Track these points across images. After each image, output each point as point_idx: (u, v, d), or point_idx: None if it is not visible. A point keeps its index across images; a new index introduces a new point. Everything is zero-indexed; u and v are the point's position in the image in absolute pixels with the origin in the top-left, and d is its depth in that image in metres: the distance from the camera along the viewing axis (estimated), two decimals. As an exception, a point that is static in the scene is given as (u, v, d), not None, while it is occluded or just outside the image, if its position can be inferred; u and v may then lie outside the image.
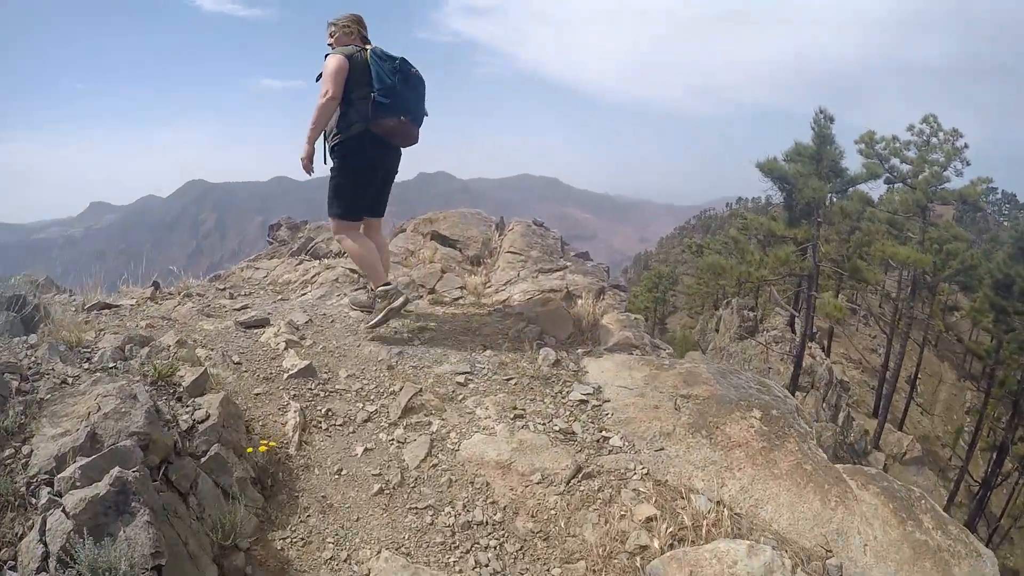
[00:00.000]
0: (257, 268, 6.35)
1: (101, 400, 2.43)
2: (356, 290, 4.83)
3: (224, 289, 5.48)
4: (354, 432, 3.17)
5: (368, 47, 3.81)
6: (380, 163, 3.98)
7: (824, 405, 21.49)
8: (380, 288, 4.08)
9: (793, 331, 25.47)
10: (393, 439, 3.11)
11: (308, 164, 3.77)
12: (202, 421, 2.65)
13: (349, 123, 3.73)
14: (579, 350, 4.16)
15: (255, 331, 4.07)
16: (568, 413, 3.38)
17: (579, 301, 4.98)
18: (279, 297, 5.24)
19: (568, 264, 6.32)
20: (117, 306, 4.47)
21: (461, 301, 5.20)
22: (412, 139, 3.95)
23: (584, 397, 3.51)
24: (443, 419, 3.28)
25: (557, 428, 3.23)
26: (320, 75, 3.73)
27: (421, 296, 5.16)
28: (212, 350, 3.62)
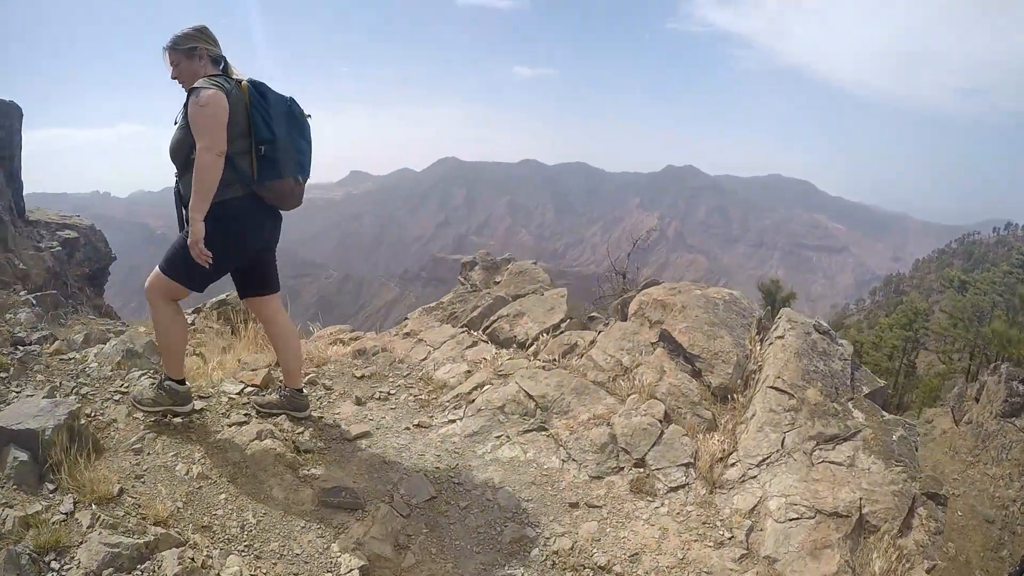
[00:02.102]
0: (421, 339, 5.05)
1: None
2: (144, 375, 3.80)
3: (361, 376, 4.25)
4: None
5: (239, 78, 2.93)
6: (260, 235, 3.17)
7: None
8: (169, 382, 3.31)
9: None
10: None
11: (202, 249, 2.83)
12: None
13: (224, 183, 2.82)
14: None
15: (332, 515, 2.61)
16: None
17: (873, 547, 2.61)
18: (419, 418, 3.79)
19: (862, 424, 3.82)
20: (183, 412, 3.41)
21: (679, 498, 3.16)
22: (299, 201, 3.18)
23: None
24: None
25: None
26: (182, 117, 2.84)
27: (622, 469, 3.25)
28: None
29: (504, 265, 7.46)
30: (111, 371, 3.94)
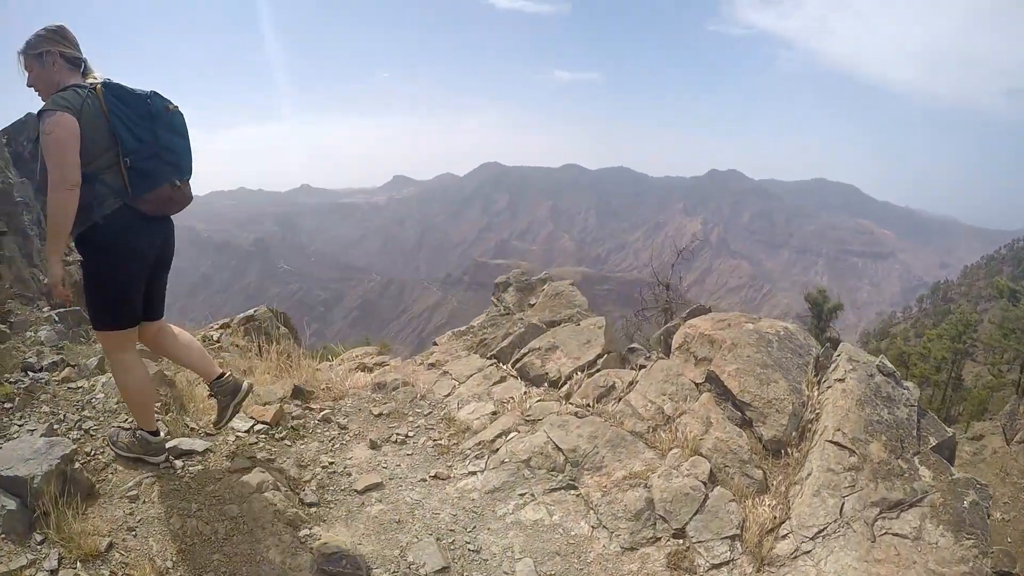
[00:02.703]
0: (446, 371, 4.75)
1: None
2: (117, 425, 3.51)
3: (379, 414, 3.97)
4: None
5: (93, 81, 2.69)
6: (151, 247, 2.96)
7: None
8: (143, 433, 3.17)
9: None
10: None
11: (63, 290, 2.79)
12: None
13: (97, 200, 2.65)
14: None
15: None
16: None
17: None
18: (437, 467, 3.47)
19: (930, 486, 3.34)
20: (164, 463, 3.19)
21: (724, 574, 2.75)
22: (188, 199, 2.98)
23: None
24: None
25: None
26: (34, 141, 2.60)
27: (658, 540, 2.85)
28: None
29: (539, 286, 7.11)
30: (116, 403, 3.78)
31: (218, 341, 6.99)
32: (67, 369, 4.13)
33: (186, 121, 2.90)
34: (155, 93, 2.77)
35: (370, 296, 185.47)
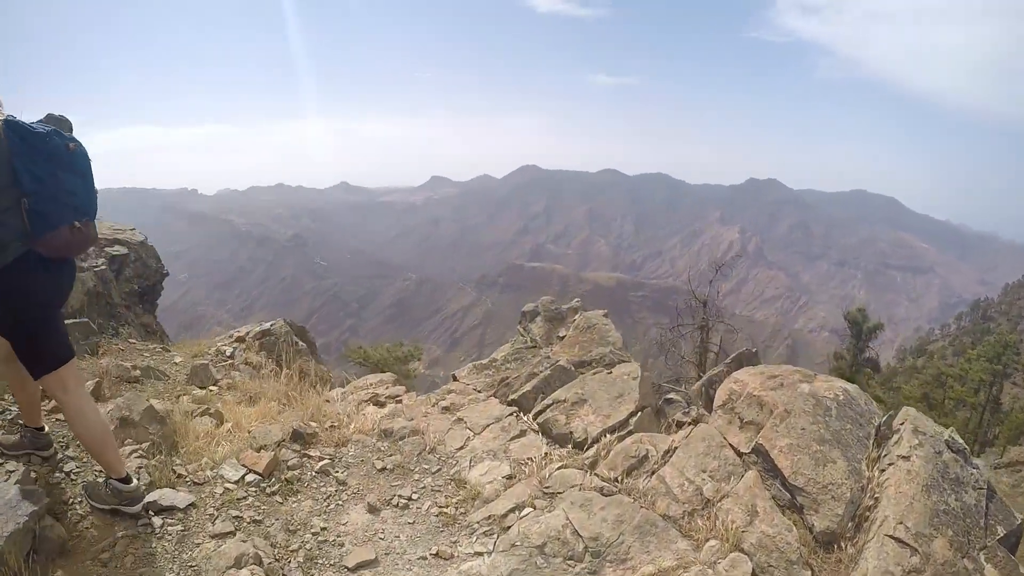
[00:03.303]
0: (461, 418, 4.38)
1: None
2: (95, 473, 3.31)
3: (382, 468, 3.64)
4: None
5: None
6: (58, 290, 2.94)
7: None
8: (114, 482, 2.99)
9: None
10: None
11: None
12: None
13: (1, 244, 2.55)
14: None
15: None
16: None
17: None
18: (439, 543, 3.09)
19: None
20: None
21: None
22: (89, 241, 2.85)
23: None
24: None
25: None
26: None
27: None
28: None
29: (570, 316, 6.70)
30: (103, 443, 3.54)
31: (231, 357, 6.78)
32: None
33: (90, 160, 2.83)
34: (55, 131, 2.67)
35: (404, 295, 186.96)
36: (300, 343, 8.00)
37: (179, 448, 3.77)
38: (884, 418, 4.11)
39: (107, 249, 6.95)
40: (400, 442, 3.98)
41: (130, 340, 6.76)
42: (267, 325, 7.59)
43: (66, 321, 5.57)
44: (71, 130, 3.15)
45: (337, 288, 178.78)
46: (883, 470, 3.62)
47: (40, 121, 2.83)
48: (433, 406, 4.75)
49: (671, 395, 4.86)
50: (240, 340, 7.25)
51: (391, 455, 3.87)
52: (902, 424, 3.94)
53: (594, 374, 4.68)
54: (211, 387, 5.55)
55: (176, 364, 6.19)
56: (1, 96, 2.83)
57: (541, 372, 5.00)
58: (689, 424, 4.26)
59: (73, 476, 3.34)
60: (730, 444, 3.76)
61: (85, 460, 3.44)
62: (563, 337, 6.24)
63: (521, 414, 4.39)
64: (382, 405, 5.14)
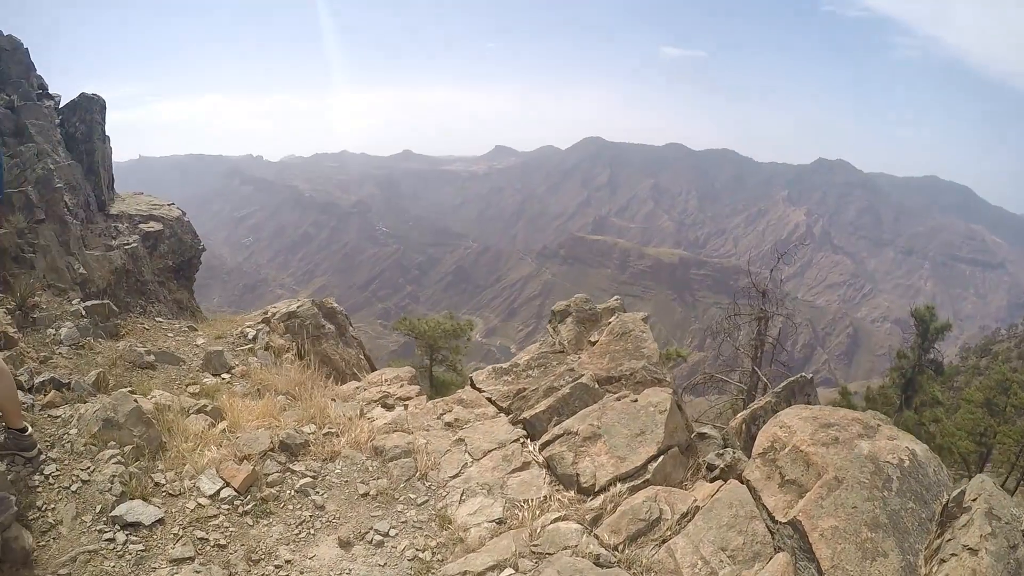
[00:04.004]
0: (462, 438, 4.08)
1: None
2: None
3: (365, 494, 3.39)
4: None
5: None
6: None
7: None
8: (11, 431, 3.23)
9: None
10: None
11: None
12: None
13: None
14: None
15: None
16: None
17: None
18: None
19: None
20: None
21: None
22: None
23: None
24: None
25: None
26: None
27: None
28: None
29: (605, 317, 6.23)
30: (84, 445, 3.45)
31: (253, 340, 6.74)
32: (53, 392, 3.87)
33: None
34: None
35: (465, 263, 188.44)
36: (327, 325, 7.91)
37: (165, 450, 3.65)
38: (955, 493, 3.50)
39: (141, 225, 6.98)
40: (391, 463, 3.73)
41: (157, 319, 6.83)
42: (294, 306, 7.52)
43: (83, 304, 5.64)
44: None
45: (398, 255, 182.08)
46: (944, 560, 3.06)
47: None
48: (438, 418, 4.48)
49: (705, 430, 4.38)
50: (266, 321, 7.21)
51: (378, 478, 3.62)
52: (974, 500, 3.32)
53: (617, 399, 4.24)
54: (224, 375, 5.50)
55: (196, 347, 6.19)
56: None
57: (561, 388, 4.62)
58: (720, 471, 3.79)
59: (52, 480, 3.28)
60: (764, 506, 3.27)
61: (67, 463, 3.37)
62: (594, 342, 5.81)
63: (528, 441, 4.02)
64: (390, 408, 4.91)
